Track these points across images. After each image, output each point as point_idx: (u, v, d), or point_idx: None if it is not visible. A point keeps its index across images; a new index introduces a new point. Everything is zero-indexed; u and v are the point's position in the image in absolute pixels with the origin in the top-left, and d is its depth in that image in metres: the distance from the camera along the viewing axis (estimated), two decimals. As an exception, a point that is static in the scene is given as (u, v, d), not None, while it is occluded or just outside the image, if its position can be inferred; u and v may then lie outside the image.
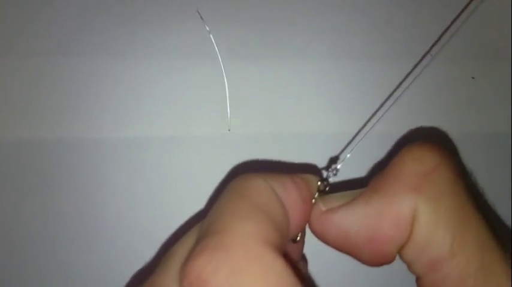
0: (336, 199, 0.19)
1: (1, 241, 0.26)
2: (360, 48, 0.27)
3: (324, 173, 0.20)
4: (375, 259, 0.19)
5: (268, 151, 0.27)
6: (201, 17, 0.26)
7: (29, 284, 0.26)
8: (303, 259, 0.23)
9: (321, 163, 0.27)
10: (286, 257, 0.16)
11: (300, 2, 0.27)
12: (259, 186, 0.17)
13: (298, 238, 0.20)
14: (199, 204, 0.27)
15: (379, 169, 0.26)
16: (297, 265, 0.21)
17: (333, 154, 0.26)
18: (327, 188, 0.20)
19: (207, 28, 0.26)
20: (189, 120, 0.26)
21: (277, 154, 0.27)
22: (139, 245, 0.26)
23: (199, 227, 0.17)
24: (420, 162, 0.18)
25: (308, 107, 0.27)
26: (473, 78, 0.28)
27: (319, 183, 0.20)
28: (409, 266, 0.19)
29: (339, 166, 0.21)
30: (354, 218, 0.18)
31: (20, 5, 0.25)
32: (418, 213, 0.17)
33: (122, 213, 0.26)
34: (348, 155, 0.22)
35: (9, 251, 0.26)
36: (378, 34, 0.27)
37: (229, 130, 0.26)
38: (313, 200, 0.19)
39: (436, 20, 0.27)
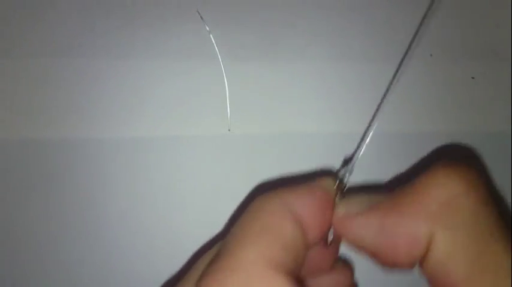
0: (355, 204, 0.19)
1: (4, 240, 0.26)
2: (359, 49, 0.27)
3: (339, 175, 0.21)
4: (390, 266, 0.19)
5: (268, 151, 0.27)
6: (201, 18, 0.26)
7: (31, 283, 0.26)
8: (348, 269, 0.23)
9: (320, 162, 0.27)
10: (298, 279, 0.16)
11: (300, 4, 0.27)
12: (273, 208, 0.18)
13: (330, 238, 0.20)
14: (199, 203, 0.27)
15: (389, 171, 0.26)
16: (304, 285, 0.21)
17: (332, 153, 0.26)
18: (345, 189, 0.20)
19: (207, 28, 0.26)
20: (189, 120, 0.26)
21: (277, 154, 0.27)
22: (141, 245, 0.27)
23: (215, 250, 0.18)
24: (444, 188, 0.18)
25: (307, 107, 0.27)
26: (473, 78, 0.28)
27: (336, 186, 0.20)
28: (428, 282, 0.19)
29: (353, 167, 0.21)
30: (371, 229, 0.19)
31: (22, 6, 0.25)
32: (435, 240, 0.17)
33: (124, 212, 0.26)
34: (360, 154, 0.22)
35: (12, 251, 0.26)
36: (377, 36, 0.27)
37: (229, 130, 0.27)
38: (335, 201, 0.20)
39: (435, 21, 0.27)
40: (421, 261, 0.18)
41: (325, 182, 0.20)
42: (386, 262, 0.19)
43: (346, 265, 0.23)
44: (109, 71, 0.26)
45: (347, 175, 0.21)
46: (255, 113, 0.27)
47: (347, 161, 0.22)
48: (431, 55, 0.27)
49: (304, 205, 0.18)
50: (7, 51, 0.25)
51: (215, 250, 0.19)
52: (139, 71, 0.26)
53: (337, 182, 0.20)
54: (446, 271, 0.17)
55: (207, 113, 0.26)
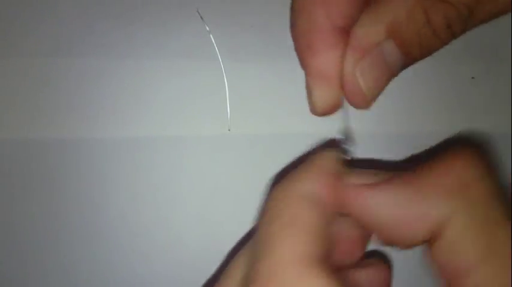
0: (365, 176, 0.19)
1: (4, 240, 0.26)
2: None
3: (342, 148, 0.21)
4: (395, 243, 0.19)
5: (268, 151, 0.27)
6: (201, 17, 0.26)
7: (31, 283, 0.26)
8: (385, 266, 0.23)
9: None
10: (334, 266, 0.17)
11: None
12: (293, 199, 0.18)
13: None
14: (199, 203, 0.27)
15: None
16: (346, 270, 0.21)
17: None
18: (348, 158, 0.20)
19: (207, 28, 0.26)
20: (189, 120, 0.26)
21: (277, 154, 0.27)
22: (141, 245, 0.27)
23: (250, 250, 0.18)
24: (465, 170, 0.18)
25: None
26: (473, 78, 0.28)
27: (340, 157, 0.20)
28: (434, 269, 0.18)
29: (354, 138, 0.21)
30: (387, 201, 0.18)
31: (22, 6, 0.25)
32: (451, 221, 0.17)
33: (124, 212, 0.26)
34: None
35: (13, 251, 0.26)
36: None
37: (229, 130, 0.27)
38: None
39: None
40: (431, 242, 0.18)
41: (330, 155, 0.20)
42: (393, 238, 0.18)
43: (383, 262, 0.23)
44: (109, 71, 0.26)
45: (348, 147, 0.21)
46: (255, 113, 0.27)
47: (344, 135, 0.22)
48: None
49: (320, 187, 0.18)
50: (7, 51, 0.25)
51: (242, 258, 0.19)
52: (140, 71, 0.26)
53: (341, 155, 0.20)
54: (457, 254, 0.17)
55: (207, 113, 0.26)
